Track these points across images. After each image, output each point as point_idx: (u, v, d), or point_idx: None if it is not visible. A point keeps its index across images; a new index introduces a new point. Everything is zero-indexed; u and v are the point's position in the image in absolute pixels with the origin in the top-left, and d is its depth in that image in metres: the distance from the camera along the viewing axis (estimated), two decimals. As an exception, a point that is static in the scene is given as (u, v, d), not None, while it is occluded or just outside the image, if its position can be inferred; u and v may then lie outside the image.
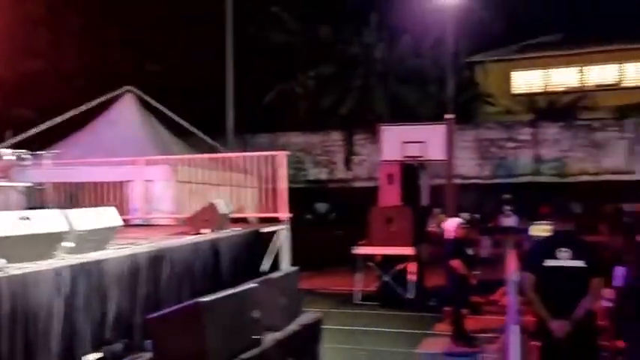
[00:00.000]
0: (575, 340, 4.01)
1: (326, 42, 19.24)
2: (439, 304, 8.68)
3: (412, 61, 19.24)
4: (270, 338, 4.75)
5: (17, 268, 3.80)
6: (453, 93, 17.97)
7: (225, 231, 7.17)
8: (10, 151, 7.12)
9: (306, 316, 5.67)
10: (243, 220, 9.04)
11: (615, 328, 5.52)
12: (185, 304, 4.25)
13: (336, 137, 19.74)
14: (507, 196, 16.36)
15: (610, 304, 5.67)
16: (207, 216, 7.15)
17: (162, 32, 17.61)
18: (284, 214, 9.02)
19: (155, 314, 4.20)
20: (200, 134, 13.88)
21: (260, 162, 9.32)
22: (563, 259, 4.18)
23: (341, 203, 18.13)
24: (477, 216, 16.17)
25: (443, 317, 8.07)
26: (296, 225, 9.10)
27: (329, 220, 18.11)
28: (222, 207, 7.40)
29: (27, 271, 3.82)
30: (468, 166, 18.89)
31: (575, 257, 4.20)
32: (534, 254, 4.54)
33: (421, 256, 10.22)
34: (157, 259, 5.29)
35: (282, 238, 8.78)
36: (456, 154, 18.93)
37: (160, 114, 13.29)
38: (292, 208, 9.07)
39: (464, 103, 21.00)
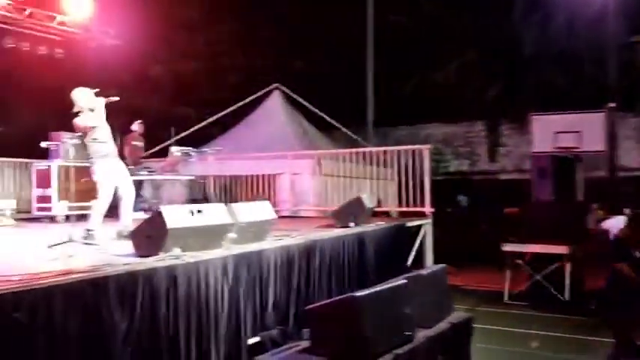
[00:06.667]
0: None
1: (469, 27, 18.50)
2: (598, 308, 7.98)
3: (565, 43, 17.79)
4: (421, 335, 4.71)
5: (191, 257, 4.16)
6: (615, 77, 16.34)
7: (370, 225, 7.22)
8: (178, 148, 7.83)
9: (457, 315, 5.54)
10: (384, 214, 9.06)
11: None
12: (342, 297, 4.35)
13: (479, 127, 19.00)
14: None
15: None
16: (354, 209, 7.25)
17: (306, 30, 18.19)
18: (428, 208, 8.91)
19: (313, 305, 4.36)
20: (342, 128, 14.17)
21: (401, 156, 9.27)
22: None
23: (484, 196, 17.43)
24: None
25: (607, 324, 7.38)
26: (436, 219, 8.93)
27: (469, 213, 17.48)
28: (367, 200, 7.46)
29: (199, 259, 4.17)
30: (630, 157, 17.13)
31: None
32: None
33: (578, 255, 9.45)
34: (308, 250, 5.49)
35: (426, 232, 8.70)
36: (617, 144, 17.28)
37: (303, 109, 13.79)
38: (433, 201, 8.91)
39: (625, 88, 19.00)
